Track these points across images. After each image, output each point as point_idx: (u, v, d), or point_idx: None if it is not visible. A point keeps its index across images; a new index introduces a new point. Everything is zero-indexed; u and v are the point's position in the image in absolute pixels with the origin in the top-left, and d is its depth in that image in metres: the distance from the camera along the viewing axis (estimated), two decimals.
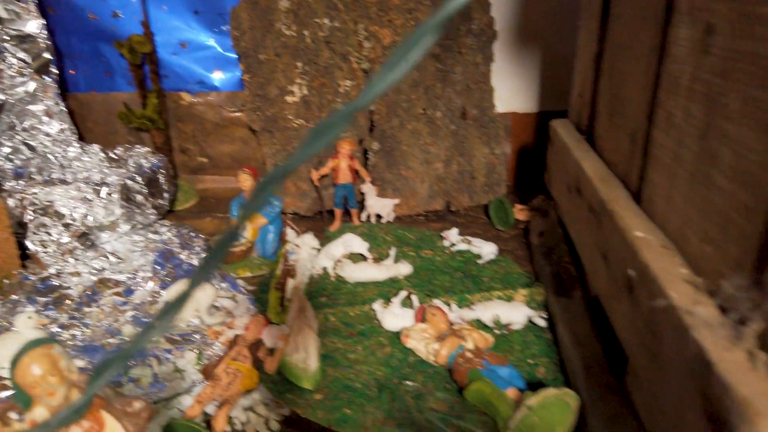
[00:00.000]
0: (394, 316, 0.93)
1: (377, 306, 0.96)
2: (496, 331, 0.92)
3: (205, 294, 0.98)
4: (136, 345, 0.34)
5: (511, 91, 1.54)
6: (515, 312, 0.94)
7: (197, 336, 0.91)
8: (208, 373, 0.79)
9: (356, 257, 1.14)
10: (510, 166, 1.61)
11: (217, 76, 1.51)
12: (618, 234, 0.65)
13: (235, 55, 1.43)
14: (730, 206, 0.47)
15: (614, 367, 0.74)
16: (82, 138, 1.44)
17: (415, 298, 0.98)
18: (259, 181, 0.28)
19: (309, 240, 0.99)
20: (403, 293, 0.98)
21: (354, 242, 1.13)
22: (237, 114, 1.51)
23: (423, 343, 0.85)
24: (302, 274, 0.93)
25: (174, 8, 1.43)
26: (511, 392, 0.72)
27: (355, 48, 1.33)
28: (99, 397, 0.48)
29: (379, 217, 1.33)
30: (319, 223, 1.35)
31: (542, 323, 0.93)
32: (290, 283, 0.89)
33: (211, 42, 1.46)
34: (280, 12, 1.31)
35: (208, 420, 0.75)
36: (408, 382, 0.80)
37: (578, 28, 1.09)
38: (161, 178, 1.30)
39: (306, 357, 0.80)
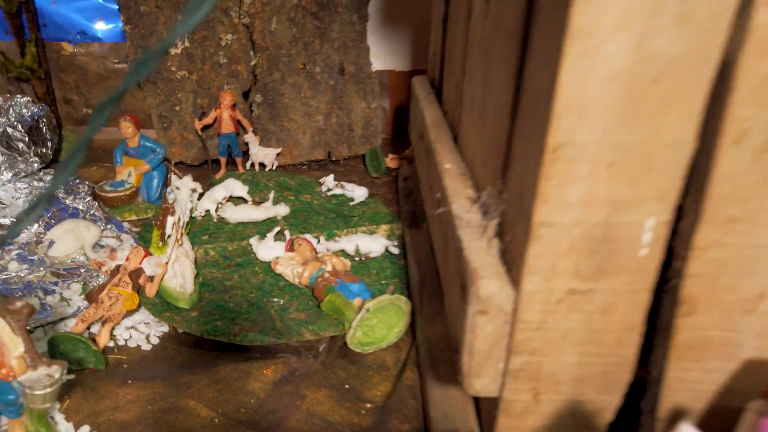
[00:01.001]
0: (267, 248, 1.05)
1: (253, 240, 1.07)
2: (357, 259, 1.07)
3: (89, 233, 1.05)
4: (7, 236, 0.44)
5: (388, 50, 1.67)
6: (374, 243, 1.09)
7: (82, 270, 0.99)
8: (91, 297, 0.88)
9: (238, 200, 1.24)
10: (389, 120, 1.75)
11: (100, 27, 1.52)
12: (436, 167, 0.80)
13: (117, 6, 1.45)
14: (493, 135, 0.62)
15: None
16: None
17: (287, 233, 1.10)
18: (102, 101, 0.38)
19: (188, 182, 1.08)
20: (277, 228, 1.10)
21: (235, 186, 1.23)
22: (121, 66, 1.54)
23: (290, 269, 0.97)
24: (181, 212, 1.03)
25: None
26: (357, 301, 0.87)
27: (235, 3, 1.39)
28: None
29: (262, 165, 1.43)
30: (205, 171, 1.43)
31: (396, 251, 1.09)
32: (169, 220, 0.98)
33: None
34: None
35: (93, 338, 0.84)
36: (274, 299, 0.93)
37: None
38: (43, 127, 1.32)
39: (183, 282, 0.91)
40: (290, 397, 0.74)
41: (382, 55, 1.68)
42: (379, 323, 0.85)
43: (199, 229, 1.16)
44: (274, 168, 1.44)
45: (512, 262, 0.52)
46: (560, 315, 0.51)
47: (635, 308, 0.50)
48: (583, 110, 0.43)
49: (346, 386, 0.77)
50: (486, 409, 0.63)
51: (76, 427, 0.69)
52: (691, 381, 0.53)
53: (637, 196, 0.46)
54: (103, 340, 0.82)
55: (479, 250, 0.56)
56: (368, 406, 0.74)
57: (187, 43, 1.39)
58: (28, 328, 0.80)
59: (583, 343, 0.52)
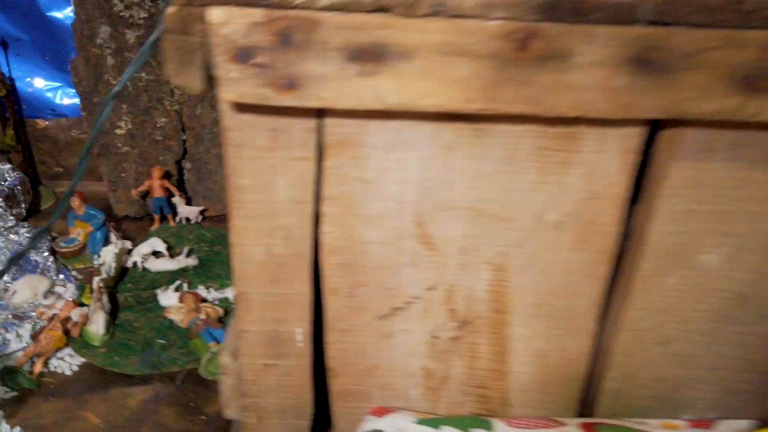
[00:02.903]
0: (167, 298, 1.45)
1: (159, 291, 1.48)
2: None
3: (42, 285, 1.46)
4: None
5: None
6: None
7: (33, 313, 1.39)
8: (35, 337, 1.28)
9: (159, 254, 1.65)
10: None
11: (66, 103, 1.93)
12: None
13: None
14: None
15: None
16: None
17: (185, 285, 1.50)
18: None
19: (113, 248, 1.48)
20: (177, 282, 1.50)
21: (157, 243, 1.63)
22: (83, 135, 1.95)
23: (177, 316, 1.38)
24: (106, 272, 1.43)
25: (27, 56, 1.83)
26: (213, 345, 1.26)
27: (168, 95, 1.79)
28: None
29: (188, 220, 1.83)
30: (145, 223, 1.84)
31: None
32: (95, 279, 1.38)
33: (58, 83, 1.87)
34: (108, 67, 1.74)
35: (32, 367, 1.25)
36: (161, 341, 1.34)
37: None
38: (18, 193, 1.73)
39: (97, 327, 1.31)
40: (151, 411, 1.14)
41: None
42: None
43: (127, 278, 1.56)
44: (199, 221, 1.84)
45: None
46: (263, 376, 0.90)
47: (304, 374, 0.90)
48: (248, 277, 0.82)
49: (191, 404, 1.17)
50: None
51: (12, 427, 1.10)
52: (347, 413, 0.92)
53: (288, 317, 0.85)
54: (38, 369, 1.23)
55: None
56: (203, 417, 1.14)
57: (130, 125, 1.79)
58: None
59: (280, 392, 0.91)
